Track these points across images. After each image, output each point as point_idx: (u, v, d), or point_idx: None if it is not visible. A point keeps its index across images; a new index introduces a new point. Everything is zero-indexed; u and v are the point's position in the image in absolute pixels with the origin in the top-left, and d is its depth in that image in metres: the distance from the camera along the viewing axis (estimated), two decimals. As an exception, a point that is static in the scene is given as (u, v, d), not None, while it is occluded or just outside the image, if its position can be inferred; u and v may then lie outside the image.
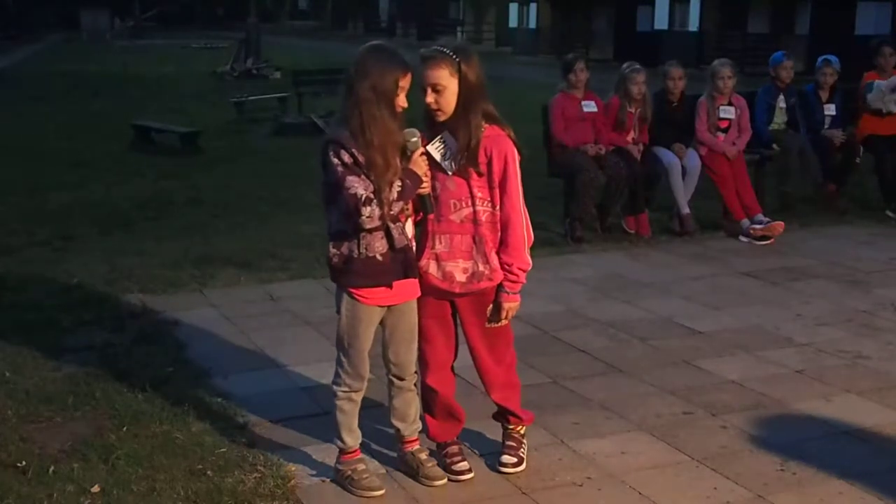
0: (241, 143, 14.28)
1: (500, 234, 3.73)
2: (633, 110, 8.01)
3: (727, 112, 8.21)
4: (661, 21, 35.90)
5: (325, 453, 4.03)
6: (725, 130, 8.22)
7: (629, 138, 8.06)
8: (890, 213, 8.76)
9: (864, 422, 4.41)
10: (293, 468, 3.93)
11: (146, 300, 6.22)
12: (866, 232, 8.26)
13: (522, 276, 3.77)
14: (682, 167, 8.06)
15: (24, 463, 3.95)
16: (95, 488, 3.75)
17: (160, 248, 7.61)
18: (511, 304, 3.78)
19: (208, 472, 3.87)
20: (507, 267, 3.74)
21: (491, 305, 3.79)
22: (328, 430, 4.07)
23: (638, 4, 37.39)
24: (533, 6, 44.17)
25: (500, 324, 3.83)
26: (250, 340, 5.55)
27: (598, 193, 7.85)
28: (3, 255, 7.44)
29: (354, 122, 3.50)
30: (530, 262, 3.78)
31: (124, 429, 4.26)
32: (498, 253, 3.74)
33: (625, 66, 8.19)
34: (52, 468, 3.90)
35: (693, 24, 34.70)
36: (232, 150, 13.53)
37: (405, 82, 3.54)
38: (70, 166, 11.93)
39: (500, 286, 3.76)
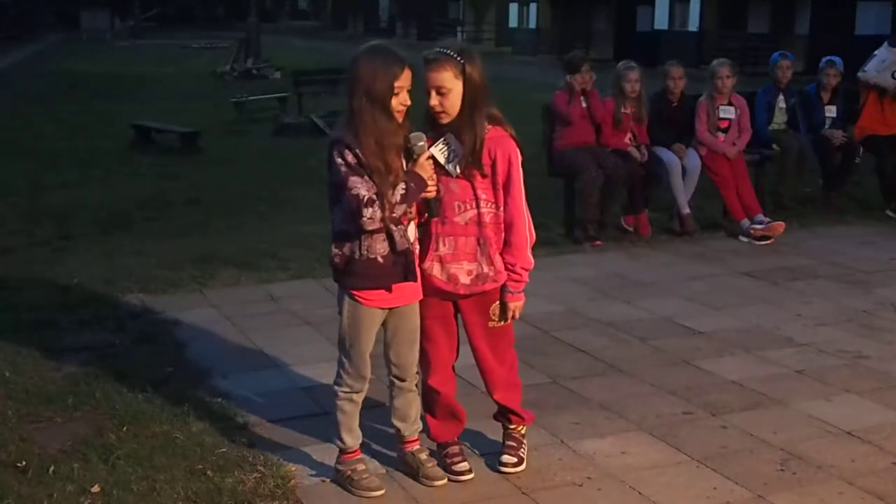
0: (241, 143, 14.29)
1: (503, 234, 3.74)
2: (627, 110, 7.99)
3: (727, 112, 8.20)
4: (661, 21, 35.90)
5: (325, 453, 4.03)
6: (725, 130, 8.22)
7: (627, 139, 8.06)
8: (890, 213, 8.76)
9: (864, 422, 4.41)
10: (293, 468, 3.93)
11: (146, 300, 6.22)
12: (866, 232, 8.26)
13: (525, 276, 3.80)
14: (682, 167, 8.06)
15: (24, 463, 3.95)
16: (95, 488, 3.75)
17: (160, 248, 7.61)
18: (516, 304, 3.81)
19: (208, 472, 3.86)
20: (510, 267, 3.75)
21: (494, 305, 3.80)
22: (328, 430, 4.07)
23: (638, 4, 37.38)
24: (533, 6, 44.18)
25: (504, 323, 3.84)
26: (250, 340, 5.55)
27: (598, 192, 7.83)
28: (3, 255, 7.45)
29: (352, 128, 3.49)
30: (532, 261, 3.79)
31: (124, 429, 4.26)
32: (501, 253, 3.75)
33: (620, 64, 8.19)
34: (52, 468, 3.90)
35: (693, 24, 34.69)
36: (232, 150, 13.53)
37: (402, 81, 3.50)
38: (70, 166, 11.93)
39: (504, 286, 3.77)
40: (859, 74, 9.06)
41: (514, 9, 46.14)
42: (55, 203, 9.57)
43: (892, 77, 8.91)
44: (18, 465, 3.94)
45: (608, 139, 8.00)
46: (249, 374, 5.03)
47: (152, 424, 4.30)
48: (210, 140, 13.96)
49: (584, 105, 7.89)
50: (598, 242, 7.69)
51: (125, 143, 13.95)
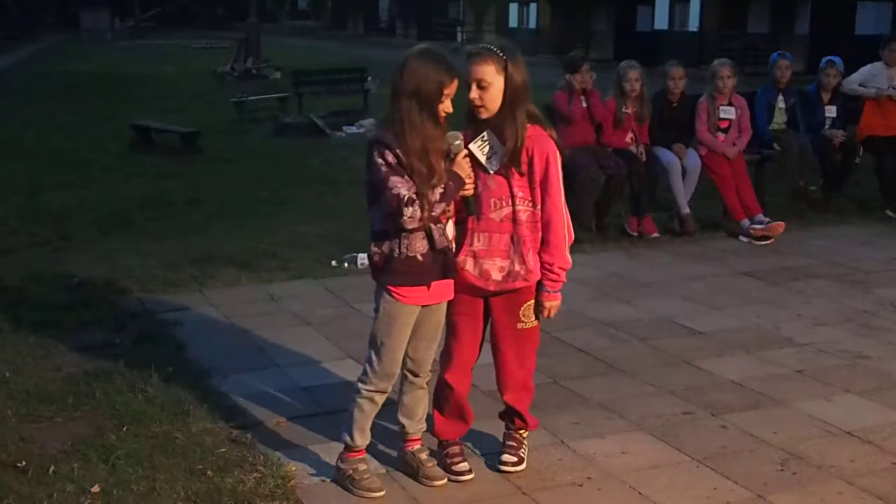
0: (241, 143, 14.28)
1: (540, 233, 3.75)
2: (628, 110, 7.98)
3: (727, 112, 8.20)
4: (661, 21, 35.91)
5: (326, 453, 4.03)
6: (726, 131, 8.22)
7: (628, 138, 8.05)
8: (890, 213, 8.76)
9: (864, 422, 4.41)
10: (293, 468, 3.93)
11: (146, 300, 6.23)
12: (866, 232, 8.26)
13: (563, 275, 3.79)
14: (682, 167, 8.06)
15: (24, 463, 3.95)
16: (95, 488, 3.75)
17: (160, 248, 7.61)
18: (553, 303, 3.81)
19: (208, 472, 3.87)
20: (547, 266, 3.76)
21: (525, 306, 3.80)
22: (328, 429, 4.07)
23: (638, 4, 37.40)
24: (533, 6, 44.19)
25: (535, 322, 3.85)
26: (250, 340, 5.55)
27: (597, 192, 7.83)
28: (3, 255, 7.45)
29: (397, 128, 3.51)
30: (570, 260, 3.80)
31: (124, 429, 4.26)
32: (539, 252, 3.75)
33: (622, 63, 8.18)
34: (52, 468, 3.91)
35: (693, 24, 34.71)
36: (232, 150, 13.53)
37: (450, 89, 3.53)
38: (70, 166, 11.94)
39: (540, 284, 3.77)
40: (841, 88, 9.07)
41: (514, 9, 46.14)
42: (55, 203, 9.58)
43: (892, 87, 8.90)
44: (18, 465, 3.94)
45: (609, 139, 8.00)
46: (249, 374, 5.03)
47: (152, 424, 4.30)
48: (210, 140, 13.95)
49: (584, 105, 7.88)
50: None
51: (125, 143, 13.95)
